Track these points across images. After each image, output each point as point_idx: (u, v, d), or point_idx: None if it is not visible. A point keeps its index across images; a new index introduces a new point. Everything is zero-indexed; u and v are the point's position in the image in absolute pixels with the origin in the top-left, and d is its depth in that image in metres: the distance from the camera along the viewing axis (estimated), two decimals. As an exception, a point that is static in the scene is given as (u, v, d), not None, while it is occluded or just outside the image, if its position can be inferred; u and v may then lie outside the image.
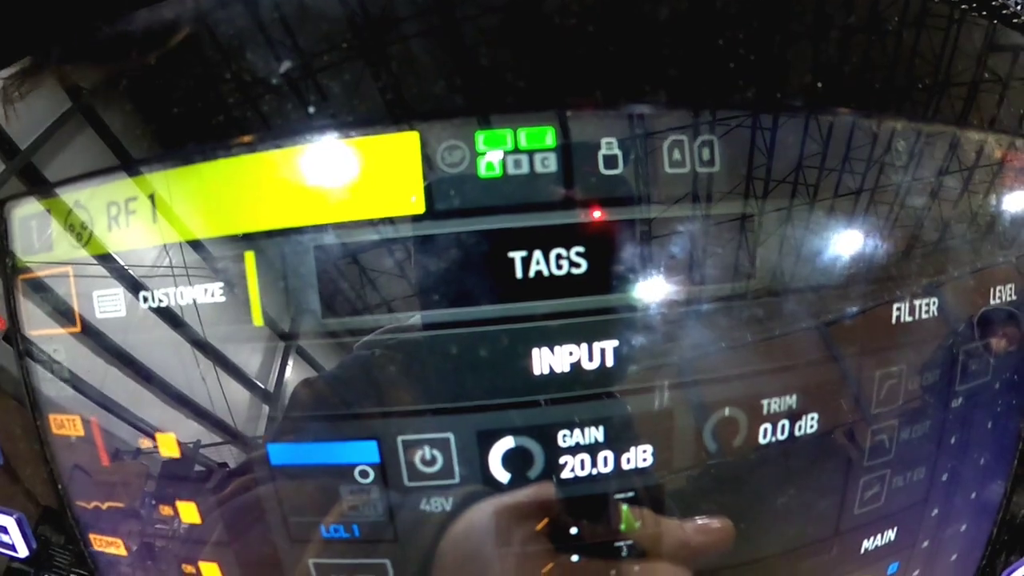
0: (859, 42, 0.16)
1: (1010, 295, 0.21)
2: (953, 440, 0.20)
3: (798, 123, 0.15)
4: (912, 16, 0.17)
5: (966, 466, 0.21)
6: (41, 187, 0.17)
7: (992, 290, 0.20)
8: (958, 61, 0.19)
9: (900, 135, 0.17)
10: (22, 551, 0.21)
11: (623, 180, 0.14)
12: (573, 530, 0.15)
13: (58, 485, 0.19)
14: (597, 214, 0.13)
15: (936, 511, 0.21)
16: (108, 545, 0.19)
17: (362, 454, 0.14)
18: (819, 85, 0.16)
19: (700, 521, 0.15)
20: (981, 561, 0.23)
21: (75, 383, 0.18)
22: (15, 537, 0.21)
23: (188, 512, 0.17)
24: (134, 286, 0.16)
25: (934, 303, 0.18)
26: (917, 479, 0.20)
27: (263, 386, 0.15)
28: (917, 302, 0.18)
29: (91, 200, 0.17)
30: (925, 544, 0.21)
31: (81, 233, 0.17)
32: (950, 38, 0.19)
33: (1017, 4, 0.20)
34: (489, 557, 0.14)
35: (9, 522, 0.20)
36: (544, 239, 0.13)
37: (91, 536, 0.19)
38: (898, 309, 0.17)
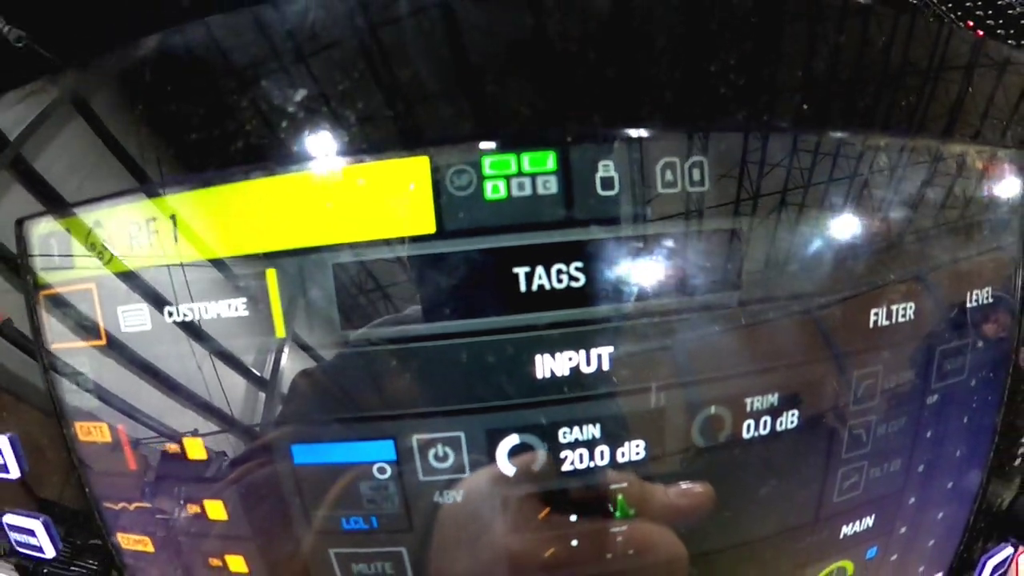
0: (839, 65, 0.18)
1: (986, 298, 0.22)
2: (930, 434, 0.22)
3: (783, 143, 0.17)
4: (887, 35, 0.19)
5: (942, 458, 0.23)
6: (63, 207, 0.19)
7: (968, 293, 0.22)
8: (937, 76, 0.20)
9: (882, 151, 0.19)
10: (49, 552, 0.22)
11: (619, 200, 0.15)
12: (572, 517, 0.17)
13: (86, 489, 0.20)
14: (595, 232, 0.15)
15: (913, 499, 0.22)
16: (136, 543, 0.20)
17: (380, 452, 0.16)
18: (804, 107, 0.17)
19: (684, 486, 0.17)
20: (959, 546, 0.25)
21: (102, 394, 0.19)
22: (42, 539, 0.22)
23: (215, 509, 0.18)
24: (158, 302, 0.17)
25: (910, 308, 0.20)
26: (894, 470, 0.21)
27: (286, 392, 0.16)
28: (894, 307, 0.19)
29: (113, 219, 0.18)
30: (903, 530, 0.23)
31: (103, 252, 0.18)
32: (934, 56, 0.20)
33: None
34: (487, 518, 0.16)
35: (36, 525, 0.22)
36: (545, 256, 0.15)
37: (119, 535, 0.20)
38: (875, 314, 0.19)
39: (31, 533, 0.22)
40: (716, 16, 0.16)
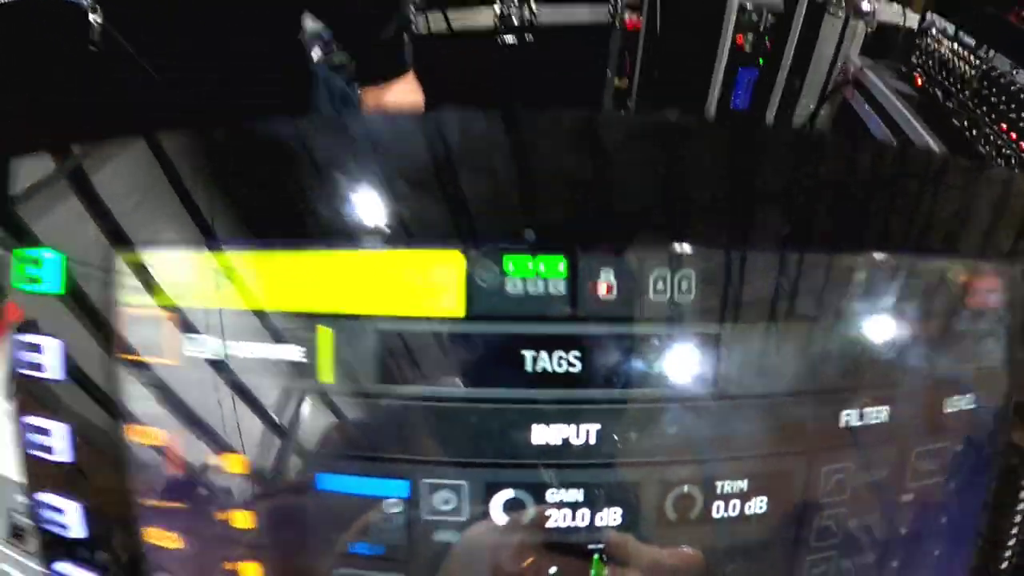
0: (811, 189, 0.22)
1: (967, 404, 0.25)
2: (904, 532, 0.24)
3: (762, 259, 0.21)
4: (861, 160, 0.23)
5: (919, 557, 0.25)
6: (151, 245, 0.24)
7: (945, 400, 0.25)
8: (913, 193, 0.24)
9: (858, 267, 0.22)
10: (80, 535, 0.26)
11: (616, 303, 0.20)
12: (553, 569, 0.20)
13: (124, 483, 0.25)
14: (592, 328, 0.19)
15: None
16: (163, 539, 0.24)
17: (396, 490, 0.20)
18: (784, 230, 0.21)
19: (676, 548, 0.20)
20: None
21: (158, 403, 0.23)
22: (74, 522, 0.26)
23: (241, 519, 0.22)
24: (222, 337, 0.22)
25: (884, 411, 0.23)
26: (866, 563, 0.24)
27: (323, 428, 0.21)
28: (866, 410, 0.23)
29: (192, 263, 0.23)
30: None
31: (180, 288, 0.23)
32: (900, 175, 0.24)
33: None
34: (479, 560, 0.20)
35: (71, 507, 0.26)
36: (550, 343, 0.19)
37: (147, 530, 0.25)
38: (847, 416, 0.22)
39: (59, 511, 0.26)
40: (702, 153, 0.21)
